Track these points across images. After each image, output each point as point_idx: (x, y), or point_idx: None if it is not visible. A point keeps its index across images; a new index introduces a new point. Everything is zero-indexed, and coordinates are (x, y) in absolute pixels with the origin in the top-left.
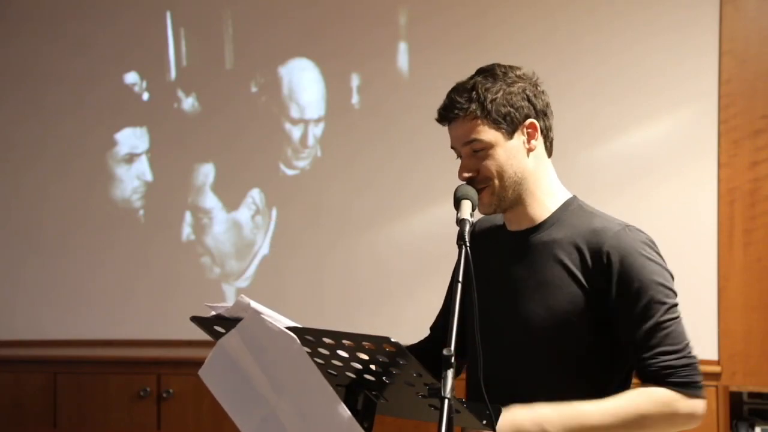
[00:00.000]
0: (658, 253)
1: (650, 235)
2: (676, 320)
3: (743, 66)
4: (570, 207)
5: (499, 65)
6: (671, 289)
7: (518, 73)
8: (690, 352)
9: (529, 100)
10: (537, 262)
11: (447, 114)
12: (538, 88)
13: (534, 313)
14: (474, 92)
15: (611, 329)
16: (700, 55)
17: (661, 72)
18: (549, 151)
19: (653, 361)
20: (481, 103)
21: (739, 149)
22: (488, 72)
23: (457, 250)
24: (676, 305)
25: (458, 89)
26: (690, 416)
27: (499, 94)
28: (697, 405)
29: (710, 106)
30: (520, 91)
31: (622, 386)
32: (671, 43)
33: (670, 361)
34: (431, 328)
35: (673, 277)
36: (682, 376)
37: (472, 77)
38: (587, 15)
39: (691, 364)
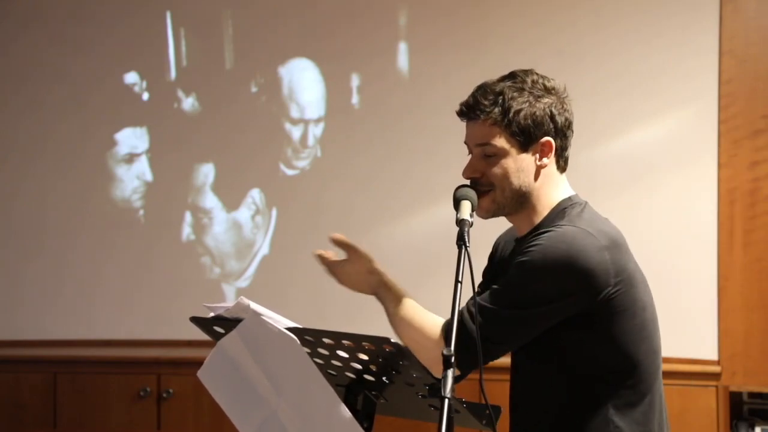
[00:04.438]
0: (559, 259)
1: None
2: (489, 310)
3: (743, 66)
4: (555, 212)
5: (532, 73)
6: (511, 296)
7: (549, 85)
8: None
9: (551, 118)
10: None
11: (468, 112)
12: (564, 106)
13: None
14: (500, 97)
15: (585, 322)
16: (700, 55)
17: (661, 72)
18: (562, 168)
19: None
20: (504, 111)
21: (739, 149)
22: (519, 79)
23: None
24: (500, 307)
25: (485, 90)
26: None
27: (525, 106)
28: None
29: (710, 106)
30: (546, 106)
31: (606, 383)
32: (671, 44)
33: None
34: None
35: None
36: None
37: (502, 80)
38: (588, 15)
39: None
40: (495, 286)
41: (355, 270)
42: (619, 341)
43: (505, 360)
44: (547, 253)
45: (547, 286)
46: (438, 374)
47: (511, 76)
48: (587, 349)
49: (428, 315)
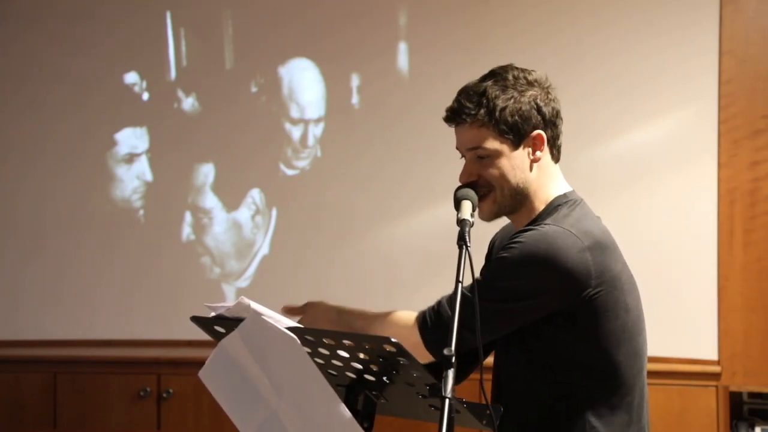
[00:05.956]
0: (543, 258)
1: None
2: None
3: (743, 66)
4: (548, 209)
5: (512, 68)
6: (488, 289)
7: (531, 78)
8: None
9: (538, 110)
10: None
11: (455, 117)
12: (549, 96)
13: None
14: (484, 98)
15: (566, 321)
16: (700, 55)
17: (661, 72)
18: (556, 157)
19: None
20: (490, 111)
21: (739, 149)
22: (500, 76)
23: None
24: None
25: (468, 93)
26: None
27: (510, 103)
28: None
29: (710, 106)
30: (531, 100)
31: (594, 386)
32: (672, 44)
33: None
34: None
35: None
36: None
37: (483, 80)
38: (588, 16)
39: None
40: (477, 277)
41: (312, 318)
42: (599, 341)
43: None
44: (526, 251)
45: (524, 283)
46: (418, 359)
47: (492, 74)
48: (566, 348)
49: (398, 310)
